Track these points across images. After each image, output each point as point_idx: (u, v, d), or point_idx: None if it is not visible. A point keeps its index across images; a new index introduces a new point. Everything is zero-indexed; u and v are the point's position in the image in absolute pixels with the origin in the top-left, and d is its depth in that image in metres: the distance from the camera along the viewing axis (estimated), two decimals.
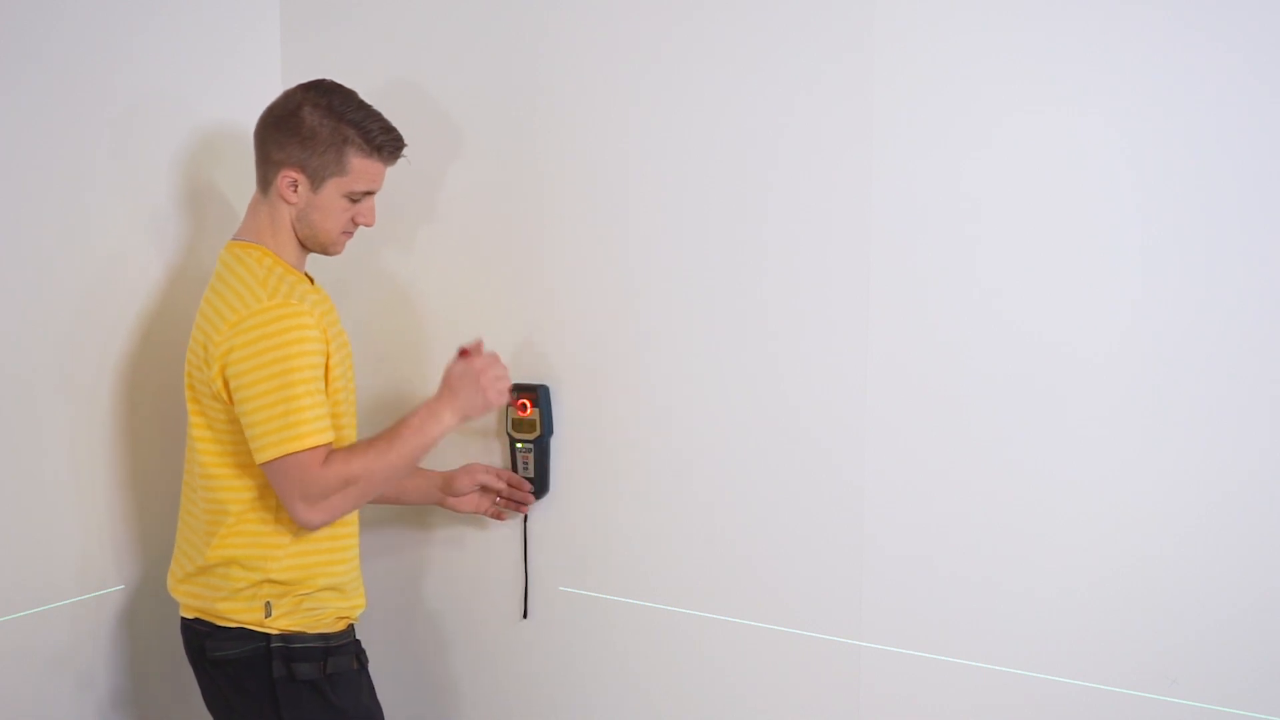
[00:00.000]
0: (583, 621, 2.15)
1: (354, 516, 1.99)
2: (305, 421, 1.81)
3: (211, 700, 2.00)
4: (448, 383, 1.94)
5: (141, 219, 2.19)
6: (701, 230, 2.00)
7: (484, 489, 2.17)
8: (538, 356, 2.15)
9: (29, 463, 2.05)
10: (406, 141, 1.95)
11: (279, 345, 1.81)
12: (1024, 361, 1.78)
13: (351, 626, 2.01)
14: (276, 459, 1.81)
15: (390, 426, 1.91)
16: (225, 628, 1.92)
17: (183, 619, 1.99)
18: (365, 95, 1.93)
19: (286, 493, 1.84)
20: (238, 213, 2.35)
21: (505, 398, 1.97)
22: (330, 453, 1.85)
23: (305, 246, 1.96)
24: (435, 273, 2.27)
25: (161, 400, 2.23)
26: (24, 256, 2.01)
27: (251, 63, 2.37)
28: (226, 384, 1.84)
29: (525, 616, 2.20)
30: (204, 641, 1.94)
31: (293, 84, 1.93)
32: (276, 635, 1.91)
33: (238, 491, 1.89)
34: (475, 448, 2.22)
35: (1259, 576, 1.66)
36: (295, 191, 1.90)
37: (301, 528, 1.89)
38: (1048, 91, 1.73)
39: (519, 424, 2.14)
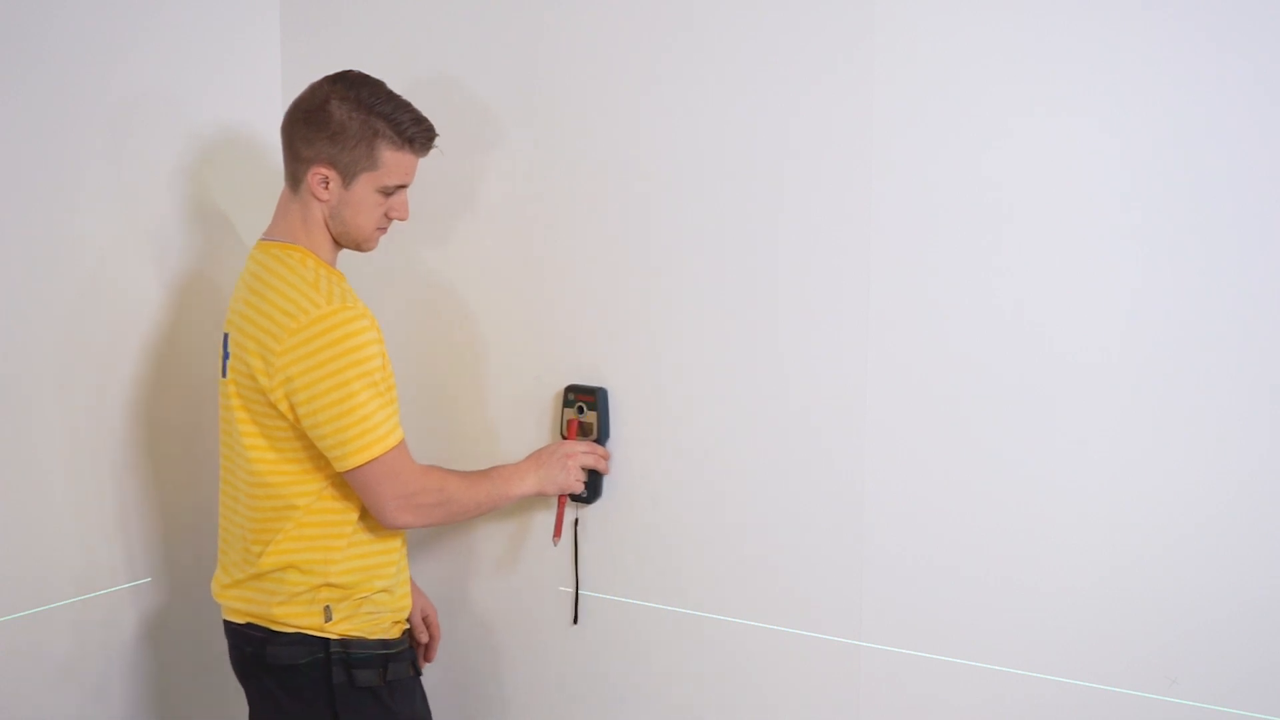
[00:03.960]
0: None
1: None
2: (383, 422, 1.81)
3: (260, 705, 1.97)
4: (539, 455, 2.03)
5: (139, 218, 2.18)
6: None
7: (420, 623, 2.13)
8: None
9: (34, 461, 2.05)
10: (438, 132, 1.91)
11: (347, 351, 1.78)
12: (1025, 362, 1.78)
13: (407, 632, 2.00)
14: (365, 464, 1.81)
15: (483, 469, 2.00)
16: (283, 633, 1.89)
17: (230, 623, 1.96)
18: None
19: (380, 494, 1.83)
20: (236, 213, 2.36)
21: (581, 487, 2.05)
22: (432, 466, 1.92)
23: (338, 244, 1.92)
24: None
25: (160, 401, 2.23)
26: (19, 256, 2.00)
27: (251, 63, 2.37)
28: (290, 393, 1.80)
29: (575, 622, 2.17)
30: (263, 647, 1.90)
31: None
32: (336, 641, 1.88)
33: (297, 496, 1.86)
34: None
35: (1259, 576, 1.66)
36: (327, 188, 1.86)
37: (385, 528, 1.89)
38: (1048, 91, 1.73)
39: (577, 427, 2.10)
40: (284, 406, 1.81)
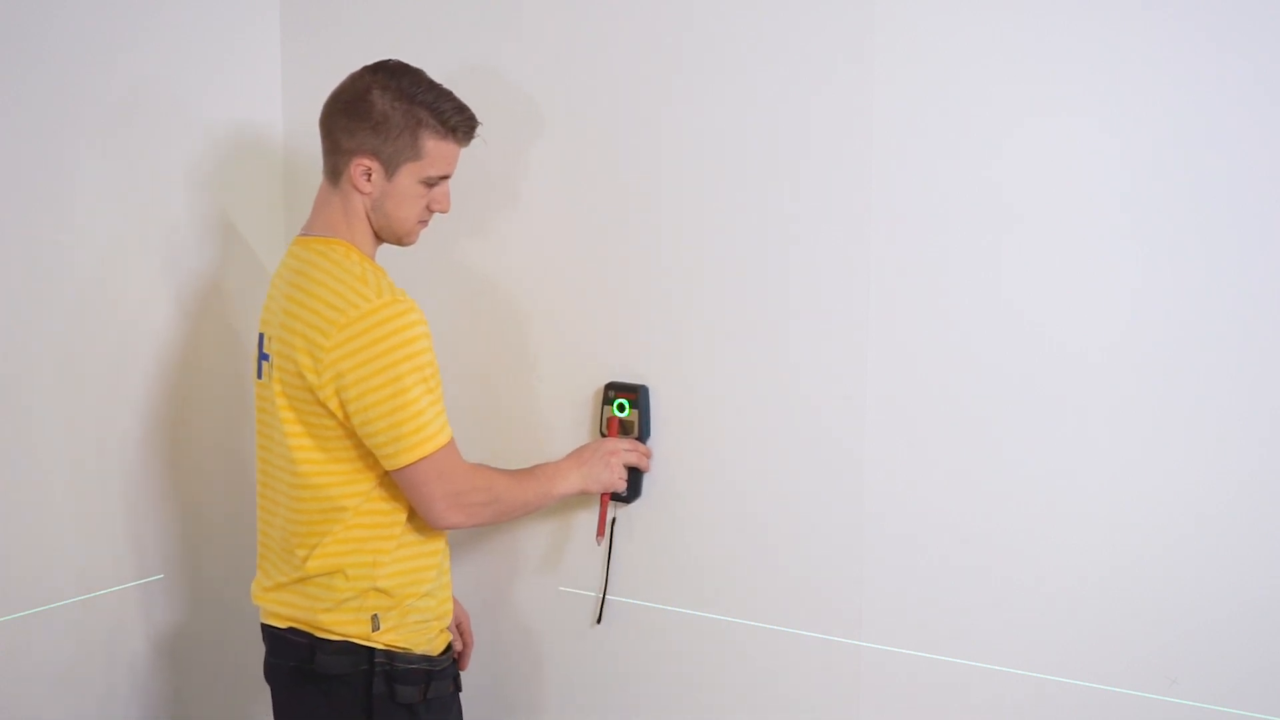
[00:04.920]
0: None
1: None
2: (434, 419, 1.78)
3: (293, 711, 1.92)
4: (581, 453, 2.00)
5: (139, 218, 2.18)
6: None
7: (455, 631, 2.09)
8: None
9: (35, 457, 2.05)
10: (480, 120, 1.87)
11: (399, 345, 1.74)
12: (1025, 363, 1.78)
13: (450, 646, 1.95)
14: (415, 462, 1.77)
15: (527, 468, 1.97)
16: (330, 640, 1.84)
17: (270, 628, 1.91)
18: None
19: (429, 493, 1.80)
20: (237, 212, 2.36)
21: (624, 485, 2.03)
22: (479, 465, 1.89)
23: (379, 237, 1.88)
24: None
25: (162, 401, 2.23)
26: (19, 256, 2.00)
27: (251, 63, 2.37)
28: (340, 389, 1.75)
29: (599, 622, 2.14)
30: (311, 655, 1.84)
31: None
32: (381, 651, 1.84)
33: (345, 498, 1.82)
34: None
35: (1259, 576, 1.66)
36: (369, 180, 1.81)
37: (432, 529, 1.86)
38: (1048, 91, 1.73)
39: (617, 425, 2.06)
40: (333, 404, 1.77)
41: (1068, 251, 1.73)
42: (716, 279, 1.99)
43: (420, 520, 1.86)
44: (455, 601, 2.09)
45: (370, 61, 1.84)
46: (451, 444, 1.82)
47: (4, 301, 2.00)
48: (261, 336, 1.90)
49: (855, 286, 1.88)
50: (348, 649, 1.83)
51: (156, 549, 2.24)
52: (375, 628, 1.83)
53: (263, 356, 1.89)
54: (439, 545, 1.91)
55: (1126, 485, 1.72)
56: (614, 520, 2.09)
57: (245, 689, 2.36)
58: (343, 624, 1.83)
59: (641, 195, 2.05)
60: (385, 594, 1.83)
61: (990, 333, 1.80)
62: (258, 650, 1.98)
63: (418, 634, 1.87)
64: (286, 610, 1.87)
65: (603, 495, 2.04)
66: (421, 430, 1.76)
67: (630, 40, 2.04)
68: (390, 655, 1.84)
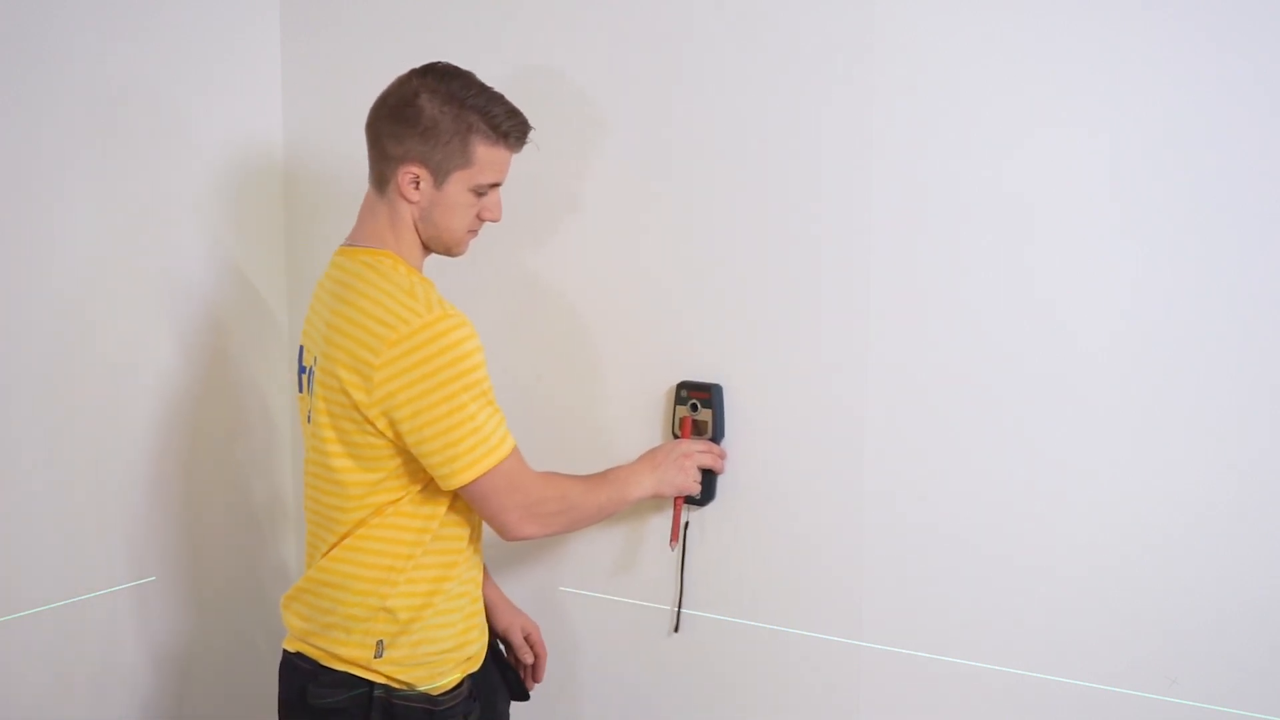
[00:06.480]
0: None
1: (478, 534, 1.86)
2: (494, 431, 1.71)
3: None
4: (654, 455, 1.93)
5: (138, 218, 2.18)
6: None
7: (523, 643, 2.03)
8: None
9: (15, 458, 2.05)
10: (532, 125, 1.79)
11: (451, 362, 1.66)
12: (1024, 364, 1.78)
13: (467, 678, 1.84)
14: (478, 478, 1.70)
15: (599, 473, 1.90)
16: (330, 669, 1.77)
17: (285, 652, 1.84)
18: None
19: (500, 506, 1.74)
20: (236, 213, 2.36)
21: (698, 488, 1.96)
22: (549, 472, 1.82)
23: (427, 248, 1.80)
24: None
25: (161, 403, 2.24)
26: (17, 255, 1.99)
27: (251, 63, 2.37)
28: (390, 410, 1.68)
29: (676, 630, 2.08)
30: (306, 683, 1.78)
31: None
32: (380, 684, 1.76)
33: (372, 508, 1.75)
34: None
35: (1259, 576, 1.66)
36: (417, 189, 1.74)
37: (457, 553, 1.79)
38: (1048, 91, 1.73)
39: (691, 426, 2.00)
40: (382, 424, 1.70)
41: (1067, 252, 1.73)
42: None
43: (446, 543, 1.79)
44: (520, 612, 2.05)
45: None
46: (515, 454, 1.75)
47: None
48: (302, 349, 1.85)
49: (855, 282, 1.88)
50: (344, 681, 1.76)
51: (151, 551, 2.24)
52: (378, 654, 1.75)
53: (302, 369, 1.84)
54: (464, 571, 1.82)
55: (1126, 485, 1.72)
56: (687, 524, 2.04)
57: (242, 692, 2.36)
58: (346, 646, 1.76)
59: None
60: (393, 616, 1.75)
61: (989, 333, 1.80)
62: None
63: (425, 668, 1.78)
64: (299, 623, 1.81)
65: (676, 498, 1.97)
66: (480, 446, 1.70)
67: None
68: (389, 689, 1.76)
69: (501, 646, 2.04)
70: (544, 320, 2.16)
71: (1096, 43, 1.69)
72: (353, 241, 1.81)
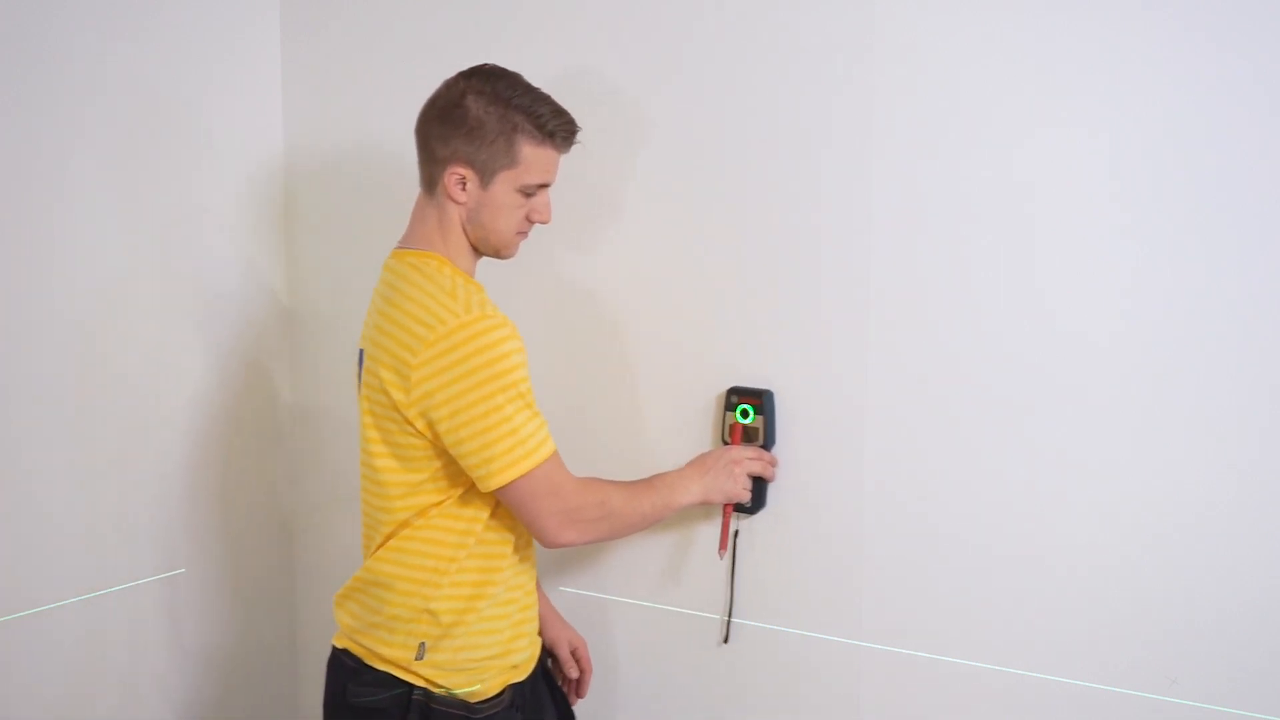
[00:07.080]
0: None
1: (527, 542, 1.84)
2: (533, 434, 1.69)
3: None
4: (703, 461, 1.90)
5: (138, 218, 2.18)
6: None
7: (569, 657, 2.02)
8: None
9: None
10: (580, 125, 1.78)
11: (489, 363, 1.65)
12: (1024, 364, 1.78)
13: (510, 688, 1.82)
14: (516, 480, 1.69)
15: (645, 478, 1.86)
16: (373, 668, 1.77)
17: (333, 648, 1.84)
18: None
19: (538, 511, 1.72)
20: (236, 212, 2.36)
21: (748, 495, 1.92)
22: (591, 478, 1.79)
23: (477, 250, 1.80)
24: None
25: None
26: (18, 256, 2.00)
27: (251, 63, 2.37)
28: (428, 410, 1.68)
29: (726, 641, 2.04)
30: (347, 682, 1.78)
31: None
32: (419, 687, 1.75)
33: (417, 508, 1.75)
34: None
35: (1259, 576, 1.66)
36: (464, 189, 1.74)
37: (506, 558, 1.78)
38: (1048, 90, 1.73)
39: (741, 432, 1.96)
40: (421, 424, 1.70)
41: (1066, 252, 1.73)
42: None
43: (490, 547, 1.78)
44: (568, 625, 2.04)
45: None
46: (555, 458, 1.73)
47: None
48: (361, 353, 1.84)
49: (856, 279, 1.88)
50: (384, 681, 1.76)
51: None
52: (419, 655, 1.75)
53: (361, 371, 1.84)
54: (510, 577, 1.81)
55: (1126, 485, 1.73)
56: (737, 532, 2.00)
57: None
58: (387, 645, 1.76)
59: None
60: (436, 619, 1.74)
61: (989, 332, 1.80)
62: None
63: (465, 673, 1.77)
64: (349, 619, 1.82)
65: (725, 506, 1.93)
66: (517, 448, 1.68)
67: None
68: (428, 693, 1.75)
69: (548, 661, 2.02)
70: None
71: (1096, 43, 1.69)
72: (404, 244, 1.81)
